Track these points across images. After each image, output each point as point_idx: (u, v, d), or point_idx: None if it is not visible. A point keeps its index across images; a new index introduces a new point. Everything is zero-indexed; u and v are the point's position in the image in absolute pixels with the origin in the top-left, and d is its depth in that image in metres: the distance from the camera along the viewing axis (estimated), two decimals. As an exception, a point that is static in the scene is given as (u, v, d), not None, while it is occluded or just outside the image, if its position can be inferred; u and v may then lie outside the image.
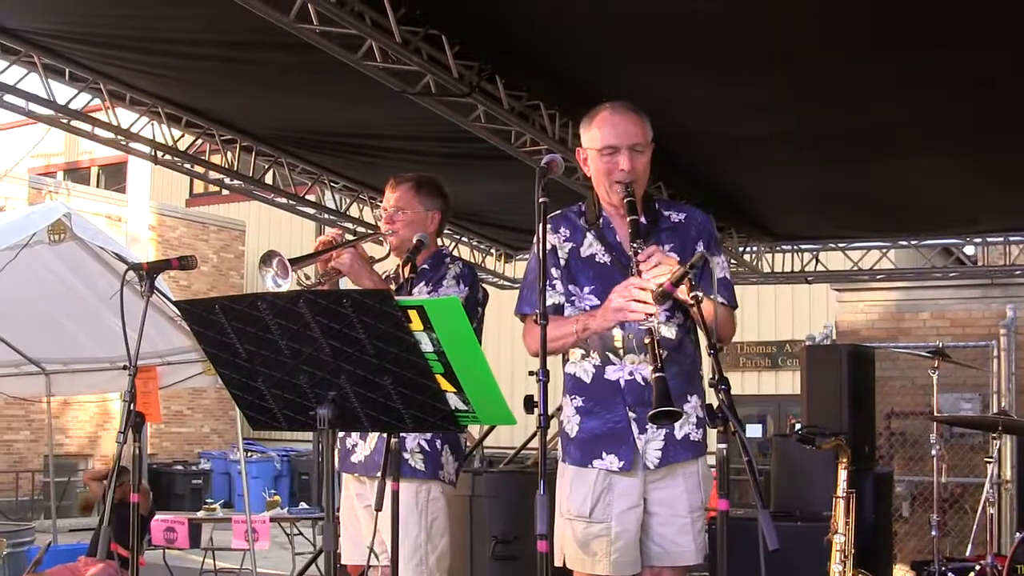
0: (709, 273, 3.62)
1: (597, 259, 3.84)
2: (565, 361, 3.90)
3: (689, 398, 3.77)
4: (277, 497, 13.75)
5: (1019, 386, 11.07)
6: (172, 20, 6.32)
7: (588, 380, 3.81)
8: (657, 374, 3.31)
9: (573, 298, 3.83)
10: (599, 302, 3.73)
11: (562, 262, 3.85)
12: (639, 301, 3.43)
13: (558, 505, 3.81)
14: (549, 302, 3.75)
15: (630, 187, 3.71)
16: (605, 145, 3.77)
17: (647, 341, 3.41)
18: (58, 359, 10.86)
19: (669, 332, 3.77)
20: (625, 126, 3.77)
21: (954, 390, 11.58)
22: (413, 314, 2.68)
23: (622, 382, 3.75)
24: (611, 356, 3.76)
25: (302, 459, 21.40)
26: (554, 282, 3.84)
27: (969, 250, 14.19)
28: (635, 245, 3.57)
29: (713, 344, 3.19)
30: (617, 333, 3.72)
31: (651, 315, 3.41)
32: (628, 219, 3.65)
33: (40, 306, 9.51)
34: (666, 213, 3.93)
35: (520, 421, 3.20)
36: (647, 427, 3.70)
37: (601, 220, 3.87)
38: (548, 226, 3.80)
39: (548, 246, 3.76)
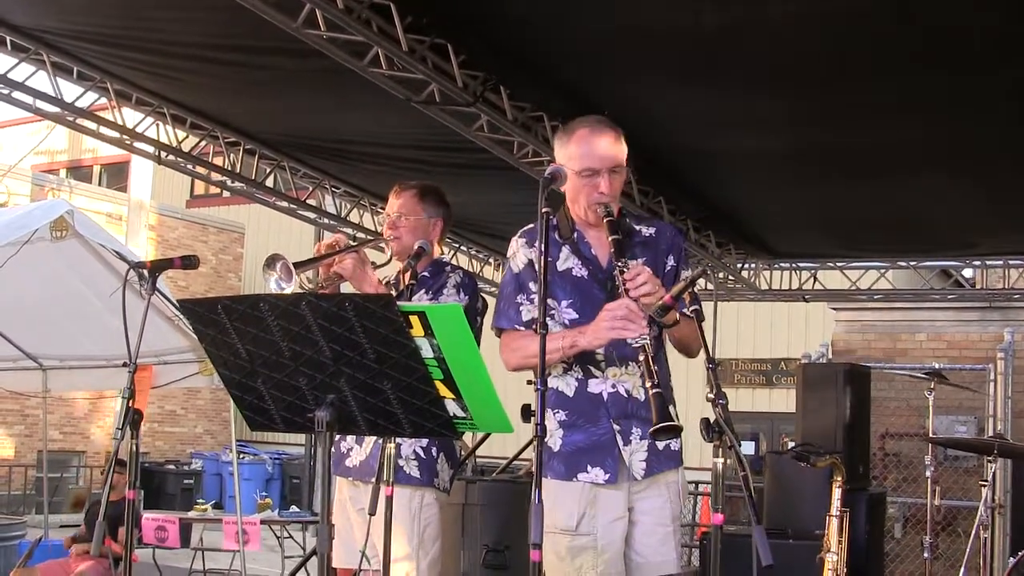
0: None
1: (574, 273, 3.83)
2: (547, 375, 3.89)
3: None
4: (268, 500, 13.76)
5: (1015, 410, 11.08)
6: (180, 23, 6.35)
7: (571, 394, 3.79)
8: (655, 390, 3.33)
9: (552, 312, 3.80)
10: (577, 316, 3.75)
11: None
12: (631, 321, 3.44)
13: None
14: (527, 316, 3.77)
15: (609, 208, 3.71)
16: (584, 168, 3.74)
17: (641, 358, 3.43)
18: (55, 355, 10.90)
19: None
20: (605, 148, 3.75)
21: (950, 412, 11.60)
22: (415, 320, 2.69)
23: (605, 395, 3.74)
24: (593, 369, 3.76)
25: (294, 462, 21.42)
26: (532, 296, 3.80)
27: (968, 273, 14.21)
28: (619, 264, 3.56)
29: (711, 359, 3.22)
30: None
31: (643, 333, 3.43)
32: (610, 238, 3.64)
33: (39, 302, 9.55)
34: (637, 227, 3.92)
35: (514, 431, 3.21)
36: (631, 439, 3.72)
37: (575, 234, 3.86)
38: (523, 240, 3.87)
39: (524, 260, 3.83)
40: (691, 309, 3.40)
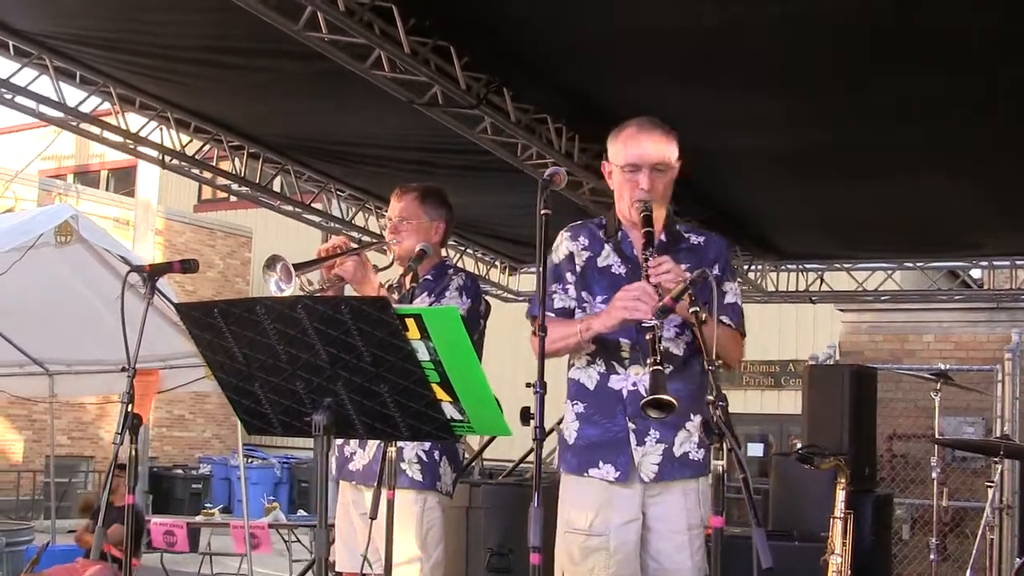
0: (721, 295, 3.71)
1: (613, 270, 3.86)
2: (570, 365, 3.90)
3: (692, 417, 3.73)
4: (275, 503, 13.75)
5: (1023, 411, 11.03)
6: (183, 26, 6.35)
7: (591, 387, 3.81)
8: (655, 367, 3.32)
9: (585, 304, 3.85)
10: None
11: (578, 269, 3.88)
12: (644, 303, 3.43)
13: (559, 518, 3.81)
14: (560, 305, 3.84)
15: (648, 205, 3.72)
16: (627, 163, 3.79)
17: (648, 338, 3.42)
18: (62, 360, 10.88)
19: (676, 349, 3.77)
20: (650, 145, 3.78)
21: (957, 413, 11.55)
22: (411, 322, 2.68)
23: (625, 392, 3.74)
24: (616, 365, 3.77)
25: (302, 466, 21.39)
26: (567, 287, 3.88)
27: (975, 273, 14.16)
28: (646, 254, 3.59)
29: (711, 361, 3.19)
30: (625, 343, 3.73)
31: (653, 317, 3.41)
32: (643, 231, 3.67)
33: (45, 307, 9.53)
34: (686, 235, 3.96)
35: (520, 434, 3.20)
36: (646, 440, 3.70)
37: (620, 233, 3.90)
38: (568, 234, 3.93)
39: (566, 252, 3.89)
40: (691, 311, 3.38)
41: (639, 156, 3.77)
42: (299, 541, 12.27)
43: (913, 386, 11.34)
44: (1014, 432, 10.46)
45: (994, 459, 6.56)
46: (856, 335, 13.14)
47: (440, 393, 2.79)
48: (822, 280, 11.71)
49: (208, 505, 14.75)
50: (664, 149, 3.81)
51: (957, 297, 12.53)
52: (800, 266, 11.65)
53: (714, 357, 3.21)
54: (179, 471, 21.26)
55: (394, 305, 2.72)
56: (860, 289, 11.66)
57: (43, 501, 17.91)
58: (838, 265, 11.53)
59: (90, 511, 10.52)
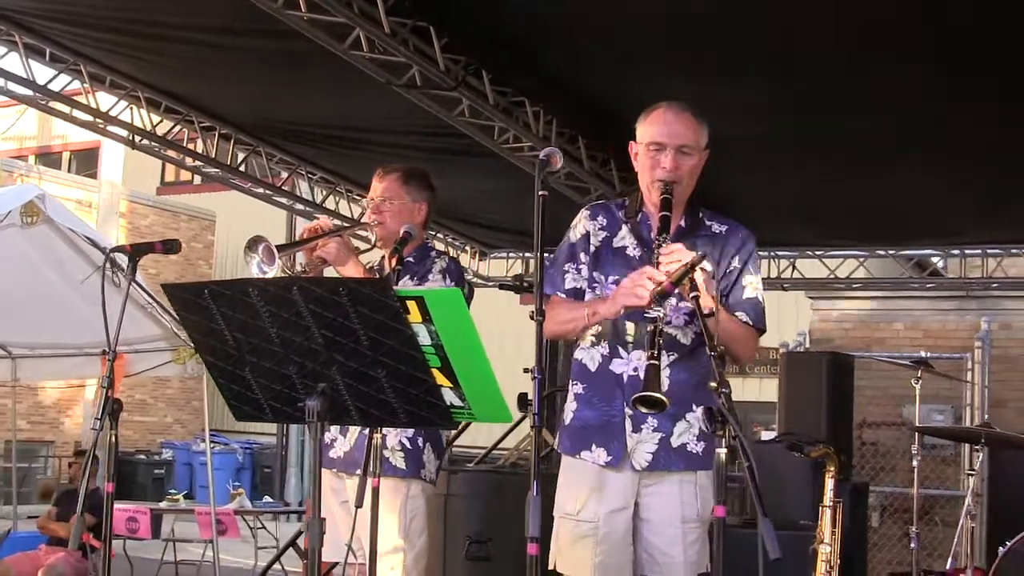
0: (740, 289, 3.74)
1: (628, 252, 3.79)
2: (576, 346, 3.83)
3: (694, 408, 3.63)
4: (240, 489, 13.63)
5: (992, 399, 11.08)
6: (157, 2, 6.24)
7: (593, 369, 3.75)
8: (651, 361, 3.26)
9: (596, 285, 3.77)
10: None
11: (592, 249, 3.82)
12: (647, 289, 3.36)
13: (556, 501, 3.78)
14: (571, 286, 3.79)
15: (669, 186, 3.66)
16: (652, 141, 3.72)
17: (649, 328, 3.35)
18: (25, 343, 10.72)
19: (685, 339, 3.70)
20: (676, 126, 3.72)
21: (926, 401, 11.54)
22: (412, 305, 2.59)
23: (625, 377, 3.67)
24: (620, 349, 3.70)
25: (265, 452, 21.26)
26: (580, 267, 3.82)
27: (941, 263, 14.20)
28: (659, 238, 3.52)
29: (713, 347, 3.12)
30: (631, 327, 3.66)
31: (654, 304, 3.33)
32: (659, 214, 3.60)
33: (8, 289, 9.36)
34: (708, 222, 3.88)
35: (512, 420, 3.11)
36: (642, 427, 3.64)
37: (640, 215, 3.82)
38: (587, 212, 3.88)
39: (583, 231, 3.83)
40: (691, 295, 3.31)
41: (664, 136, 3.70)
42: (264, 528, 12.17)
43: (883, 374, 11.34)
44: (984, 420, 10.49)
45: (974, 447, 6.55)
46: (827, 323, 13.13)
47: (440, 378, 2.70)
48: (794, 267, 11.69)
49: (172, 491, 14.60)
50: (691, 132, 3.74)
51: (928, 286, 12.56)
52: (772, 253, 11.62)
53: (716, 343, 3.13)
54: (141, 456, 21.05)
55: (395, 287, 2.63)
56: (832, 277, 11.65)
57: (3, 487, 17.67)
58: (810, 252, 11.51)
59: (51, 497, 10.37)
